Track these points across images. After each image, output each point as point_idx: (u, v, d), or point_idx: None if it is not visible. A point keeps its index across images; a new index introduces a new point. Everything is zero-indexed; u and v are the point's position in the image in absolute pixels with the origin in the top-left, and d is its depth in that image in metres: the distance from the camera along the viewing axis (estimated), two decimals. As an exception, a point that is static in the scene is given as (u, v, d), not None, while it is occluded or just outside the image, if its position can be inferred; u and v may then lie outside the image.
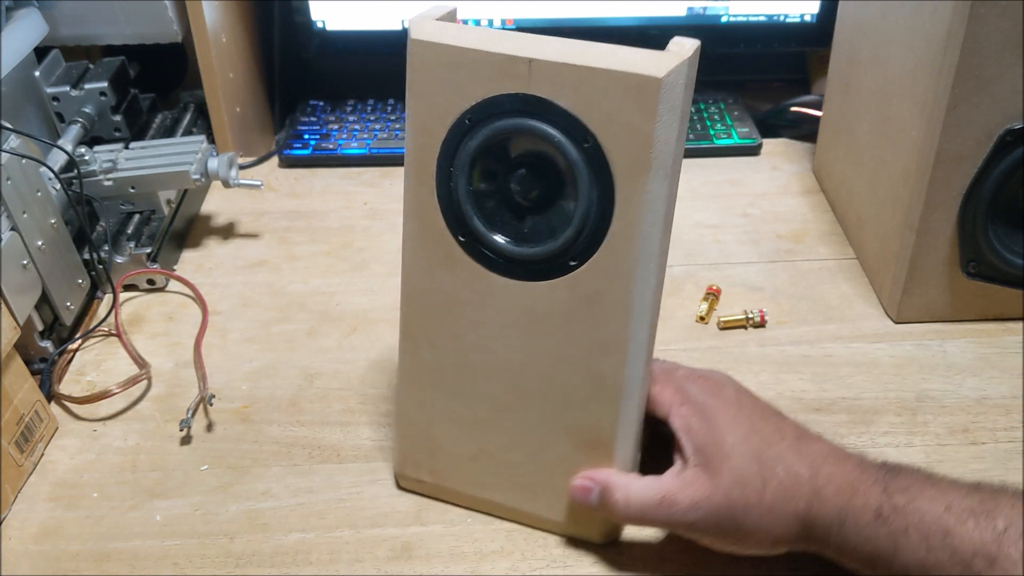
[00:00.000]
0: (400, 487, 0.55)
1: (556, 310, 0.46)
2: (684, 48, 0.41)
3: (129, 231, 0.74)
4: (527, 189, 0.46)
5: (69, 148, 0.73)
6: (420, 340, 0.51)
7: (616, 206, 0.43)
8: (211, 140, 0.85)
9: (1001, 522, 0.40)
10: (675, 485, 0.47)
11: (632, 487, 0.48)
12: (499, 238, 0.46)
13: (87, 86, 0.79)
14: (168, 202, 0.77)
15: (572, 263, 0.45)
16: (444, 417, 0.52)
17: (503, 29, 0.44)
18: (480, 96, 0.44)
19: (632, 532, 0.52)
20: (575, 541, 0.52)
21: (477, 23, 0.91)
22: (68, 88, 0.78)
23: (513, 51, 0.42)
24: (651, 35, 0.91)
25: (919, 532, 0.42)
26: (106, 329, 0.68)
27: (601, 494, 0.49)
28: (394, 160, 0.89)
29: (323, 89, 0.97)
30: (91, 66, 0.82)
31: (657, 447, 0.50)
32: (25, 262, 0.61)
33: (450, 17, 0.46)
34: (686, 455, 0.47)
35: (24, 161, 0.62)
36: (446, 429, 0.52)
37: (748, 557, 0.50)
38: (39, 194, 0.64)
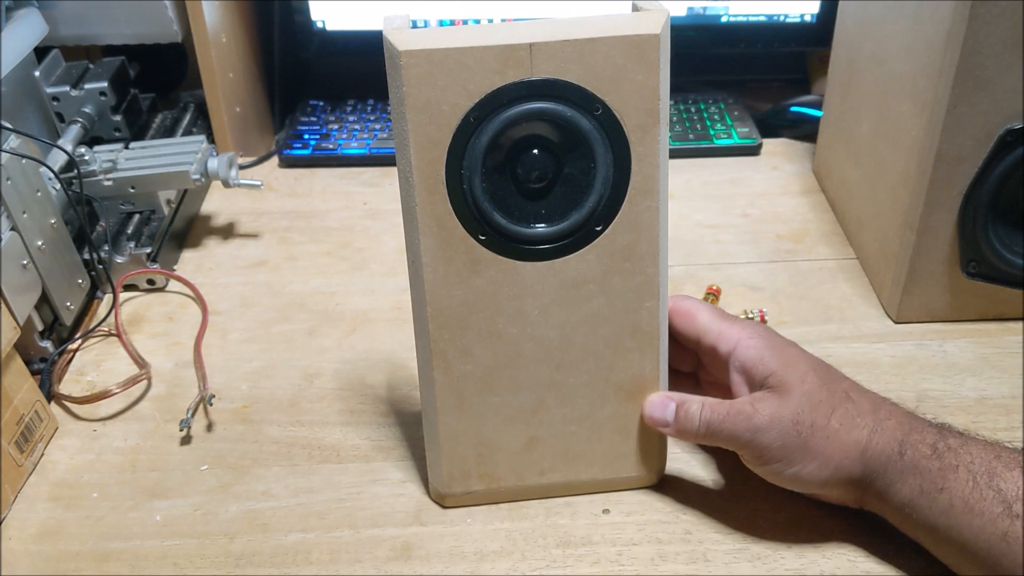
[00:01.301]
0: (445, 507, 0.54)
1: (590, 277, 0.48)
2: (655, 3, 0.45)
3: (129, 231, 0.74)
4: (539, 172, 0.46)
5: (69, 148, 0.73)
6: (452, 354, 0.50)
7: (633, 162, 0.46)
8: (211, 140, 0.85)
9: None
10: (745, 401, 0.48)
11: (705, 401, 0.49)
12: (522, 226, 0.47)
13: (87, 86, 0.79)
14: (168, 202, 0.77)
15: (598, 228, 0.47)
16: (490, 418, 0.52)
17: (474, 24, 0.44)
18: (483, 91, 0.44)
19: (634, 533, 0.52)
20: (574, 541, 0.52)
21: (477, 22, 0.91)
22: (68, 88, 0.79)
23: (511, 40, 0.43)
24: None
25: (968, 471, 0.44)
26: (106, 329, 0.68)
27: (677, 408, 0.50)
28: (394, 160, 0.89)
29: (323, 89, 0.97)
30: (91, 66, 0.82)
31: None
32: (25, 262, 0.61)
33: (408, 23, 0.46)
34: (756, 381, 0.49)
35: (24, 161, 0.62)
36: (494, 430, 0.52)
37: (748, 551, 0.50)
38: (39, 194, 0.64)
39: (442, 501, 0.54)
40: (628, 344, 0.50)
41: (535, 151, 0.46)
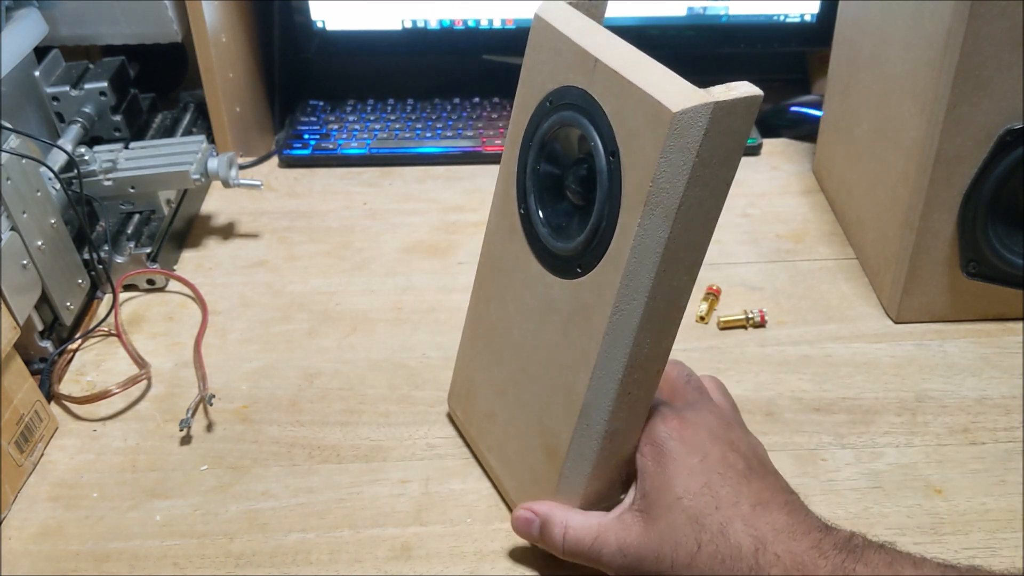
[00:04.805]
0: (448, 415, 0.60)
1: (561, 309, 0.47)
2: (730, 91, 0.38)
3: (129, 231, 0.74)
4: (576, 186, 0.46)
5: (69, 148, 0.73)
6: (480, 292, 0.54)
7: (616, 229, 0.42)
8: (211, 140, 0.85)
9: None
10: (611, 527, 0.45)
11: (571, 523, 0.47)
12: (541, 222, 0.47)
13: (87, 86, 0.79)
14: (168, 202, 0.77)
15: (578, 270, 0.45)
16: (479, 369, 0.55)
17: (602, 26, 0.45)
18: (561, 83, 0.45)
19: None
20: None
21: (477, 22, 0.91)
22: (68, 88, 0.78)
23: (588, 47, 0.43)
24: (651, 35, 0.92)
25: None
26: (106, 329, 0.68)
27: (541, 527, 0.48)
28: (394, 160, 0.89)
29: (323, 89, 0.97)
30: (91, 66, 0.82)
31: None
32: (25, 262, 0.61)
33: (596, 10, 0.46)
34: (635, 496, 0.46)
35: (24, 161, 0.62)
36: (478, 381, 0.55)
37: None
38: (39, 194, 0.64)
39: (448, 403, 0.60)
40: (559, 397, 0.47)
41: (583, 167, 0.45)
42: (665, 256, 0.41)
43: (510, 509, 0.53)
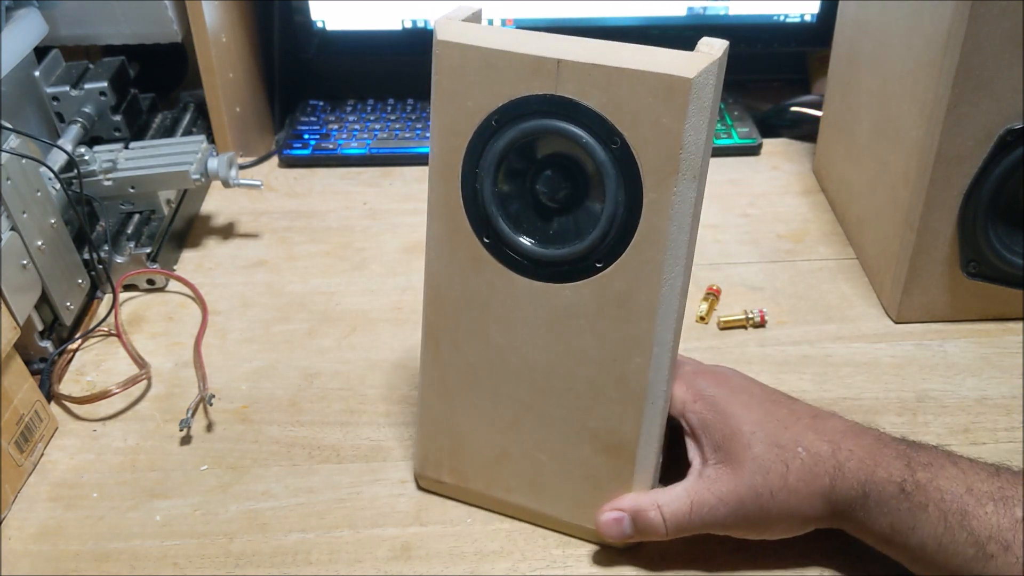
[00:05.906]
0: (420, 487, 0.55)
1: (582, 312, 0.46)
2: (714, 48, 0.41)
3: (129, 231, 0.74)
4: (554, 191, 0.45)
5: (69, 148, 0.73)
6: (443, 341, 0.51)
7: (644, 208, 0.43)
8: (211, 140, 0.85)
9: (1020, 510, 0.42)
10: (700, 486, 0.47)
11: (662, 501, 0.47)
12: (524, 240, 0.46)
13: (87, 86, 0.79)
14: (168, 202, 0.77)
15: (598, 264, 0.45)
16: (468, 417, 0.52)
17: (528, 29, 0.44)
18: (507, 97, 0.44)
19: (632, 532, 0.52)
20: (574, 541, 0.52)
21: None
22: (68, 88, 0.79)
23: (541, 52, 0.42)
24: (651, 35, 0.91)
25: (939, 510, 0.43)
26: (106, 329, 0.68)
27: (633, 521, 0.48)
28: (394, 160, 0.89)
29: (323, 89, 0.97)
30: (91, 66, 0.82)
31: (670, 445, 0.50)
32: (25, 262, 0.61)
33: (475, 18, 0.46)
34: (705, 453, 0.48)
35: (24, 161, 0.62)
36: (470, 429, 0.52)
37: (749, 551, 0.50)
38: (39, 194, 0.64)
39: (419, 480, 0.55)
40: (610, 393, 0.47)
41: (552, 170, 0.45)
42: (694, 214, 0.44)
43: (550, 530, 0.53)
